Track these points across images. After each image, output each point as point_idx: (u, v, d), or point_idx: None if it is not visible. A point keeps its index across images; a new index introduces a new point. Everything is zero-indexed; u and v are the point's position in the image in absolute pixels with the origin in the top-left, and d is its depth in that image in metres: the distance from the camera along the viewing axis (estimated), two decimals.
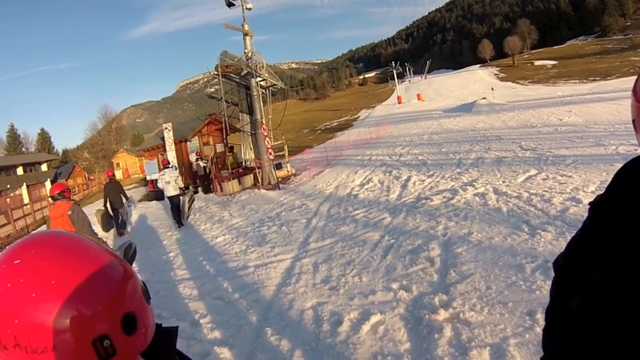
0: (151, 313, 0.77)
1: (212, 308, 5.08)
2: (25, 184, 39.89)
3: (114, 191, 11.46)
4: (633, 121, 1.02)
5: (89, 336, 0.64)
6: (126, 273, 0.74)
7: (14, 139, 67.75)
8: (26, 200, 27.89)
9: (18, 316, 0.61)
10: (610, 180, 1.07)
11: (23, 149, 66.86)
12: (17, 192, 37.59)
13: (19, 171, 45.06)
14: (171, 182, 11.23)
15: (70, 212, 5.64)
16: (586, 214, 1.13)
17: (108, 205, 11.22)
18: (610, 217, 1.02)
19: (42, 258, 0.66)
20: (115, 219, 11.06)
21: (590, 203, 1.12)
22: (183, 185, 12.12)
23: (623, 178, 1.04)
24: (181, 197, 11.44)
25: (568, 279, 1.17)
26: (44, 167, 49.82)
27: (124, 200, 11.53)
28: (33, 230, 17.31)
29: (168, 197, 11.30)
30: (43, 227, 17.68)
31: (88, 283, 0.66)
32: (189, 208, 11.64)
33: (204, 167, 18.16)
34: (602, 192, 1.10)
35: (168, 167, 11.90)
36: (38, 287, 0.63)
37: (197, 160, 18.83)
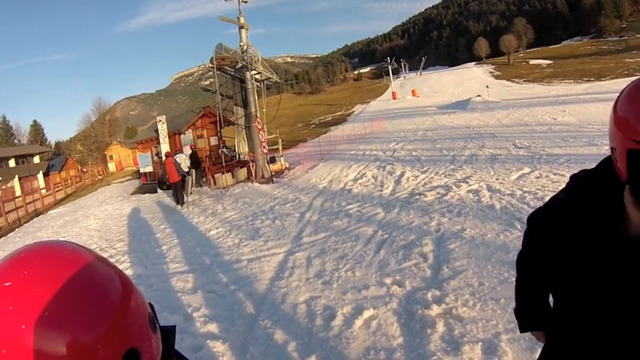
0: (157, 342, 0.69)
1: (205, 302, 5.07)
2: (17, 176, 39.46)
3: (194, 157, 16.86)
4: (612, 149, 1.02)
5: None
6: (129, 300, 0.65)
7: (6, 131, 66.88)
8: (18, 193, 27.61)
9: (4, 346, 0.55)
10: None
11: (15, 141, 65.98)
12: (9, 184, 37.22)
13: (11, 163, 44.55)
14: (182, 163, 14.63)
15: (172, 160, 13.59)
16: None
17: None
18: (585, 191, 1.15)
19: (35, 282, 0.59)
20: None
21: (572, 175, 1.25)
22: (189, 165, 15.72)
23: (607, 166, 1.11)
24: (187, 176, 14.40)
25: (538, 236, 1.37)
26: (36, 159, 49.30)
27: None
28: (25, 223, 17.17)
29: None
30: (36, 220, 17.54)
31: (85, 318, 0.58)
32: (192, 184, 15.06)
33: (228, 154, 18.21)
34: (573, 173, 1.22)
35: (179, 153, 16.11)
36: (29, 318, 0.56)
37: (222, 147, 18.84)
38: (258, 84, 17.90)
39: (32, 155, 48.96)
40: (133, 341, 0.62)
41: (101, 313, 0.60)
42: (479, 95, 34.08)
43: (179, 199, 13.44)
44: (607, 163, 1.12)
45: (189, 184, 14.35)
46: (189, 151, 18.14)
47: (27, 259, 0.62)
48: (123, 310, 0.63)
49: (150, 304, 0.73)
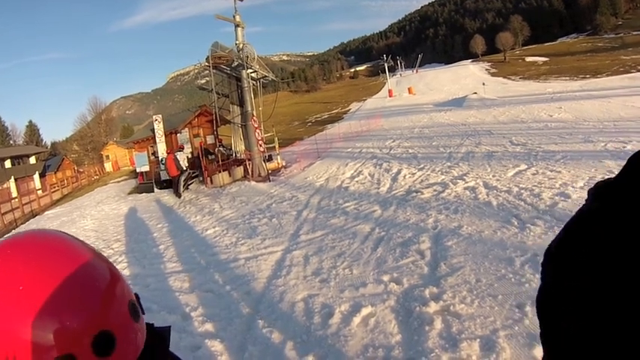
0: (139, 331, 0.70)
1: (203, 301, 5.07)
2: (13, 177, 39.28)
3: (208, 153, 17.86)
4: None
5: (51, 353, 0.58)
6: (110, 286, 0.67)
7: (1, 132, 66.54)
8: (14, 194, 27.50)
9: None
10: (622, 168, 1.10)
11: (11, 142, 65.65)
12: (5, 185, 37.08)
13: (7, 164, 44.28)
14: (181, 162, 16.06)
15: (173, 156, 15.48)
16: (575, 209, 1.15)
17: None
18: (614, 201, 1.04)
19: (19, 261, 0.62)
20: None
21: (590, 190, 1.13)
22: (187, 165, 16.90)
23: (635, 166, 1.03)
24: (184, 172, 15.86)
25: (561, 264, 1.20)
26: (32, 160, 49.02)
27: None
28: (22, 224, 17.11)
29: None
30: (32, 221, 17.48)
31: (59, 295, 0.60)
32: (185, 181, 16.04)
33: (225, 153, 18.15)
34: (591, 187, 1.13)
35: (180, 151, 17.41)
36: (7, 293, 0.59)
37: (219, 146, 18.76)
38: (255, 82, 17.88)
39: (28, 156, 48.70)
40: (106, 324, 0.63)
41: (76, 294, 0.62)
42: (475, 92, 34.03)
43: (177, 191, 15.29)
44: (632, 164, 1.07)
45: (182, 181, 15.73)
46: (191, 149, 18.35)
47: (14, 241, 0.66)
48: (98, 292, 0.65)
49: (136, 294, 0.74)
